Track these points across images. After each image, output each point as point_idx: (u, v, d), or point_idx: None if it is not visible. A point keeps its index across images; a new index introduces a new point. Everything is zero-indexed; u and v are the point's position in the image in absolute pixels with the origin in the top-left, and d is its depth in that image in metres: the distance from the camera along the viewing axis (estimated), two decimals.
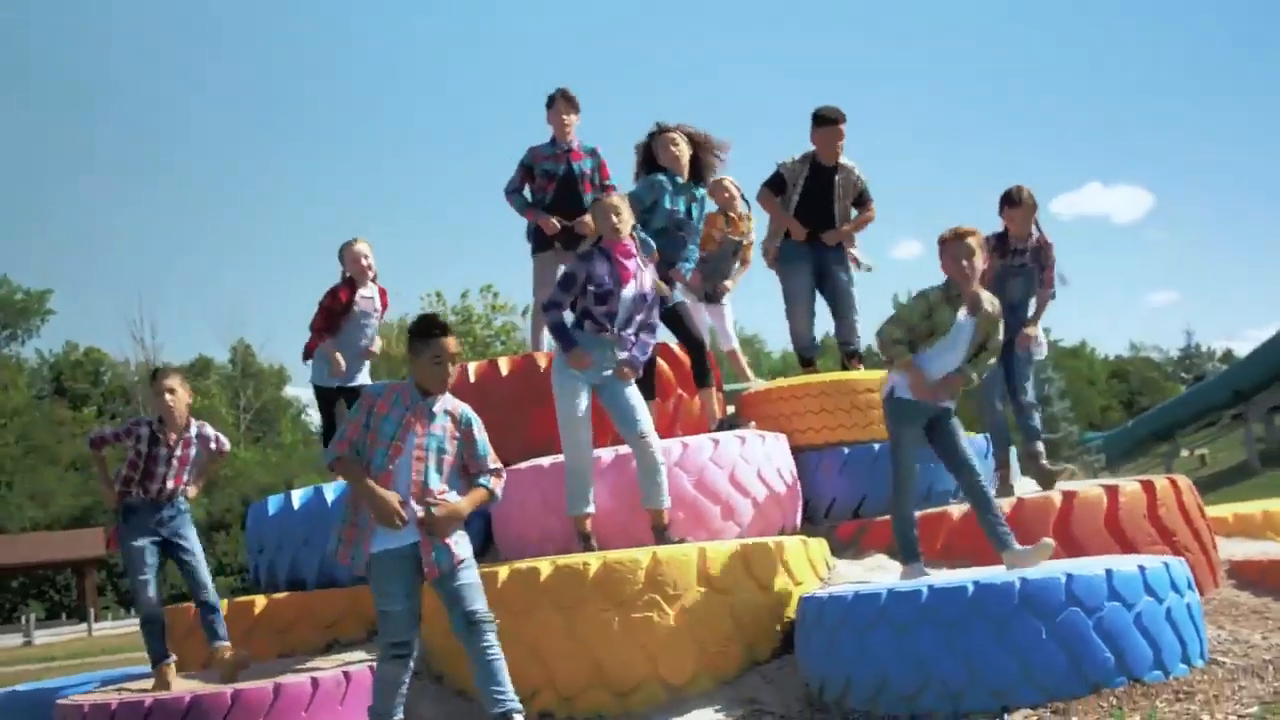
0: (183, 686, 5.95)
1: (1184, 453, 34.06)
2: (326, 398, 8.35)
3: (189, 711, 5.39)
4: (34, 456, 53.99)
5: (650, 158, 7.32)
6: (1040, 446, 7.50)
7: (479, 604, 4.84)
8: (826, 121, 8.19)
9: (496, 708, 4.77)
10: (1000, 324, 5.97)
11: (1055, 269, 7.56)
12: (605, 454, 6.55)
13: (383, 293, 8.45)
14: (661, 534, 6.21)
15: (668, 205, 7.19)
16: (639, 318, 6.34)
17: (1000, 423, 7.58)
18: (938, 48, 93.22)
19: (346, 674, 5.74)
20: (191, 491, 6.51)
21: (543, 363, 7.56)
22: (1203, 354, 58.57)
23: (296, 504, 7.56)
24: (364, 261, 8.28)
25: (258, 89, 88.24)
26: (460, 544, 4.91)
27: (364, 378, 8.36)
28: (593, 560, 5.68)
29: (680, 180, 7.25)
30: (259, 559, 7.75)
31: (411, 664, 4.95)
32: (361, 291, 8.27)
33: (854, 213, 8.45)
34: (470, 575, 4.88)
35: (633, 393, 6.33)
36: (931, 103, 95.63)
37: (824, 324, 8.77)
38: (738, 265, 9.60)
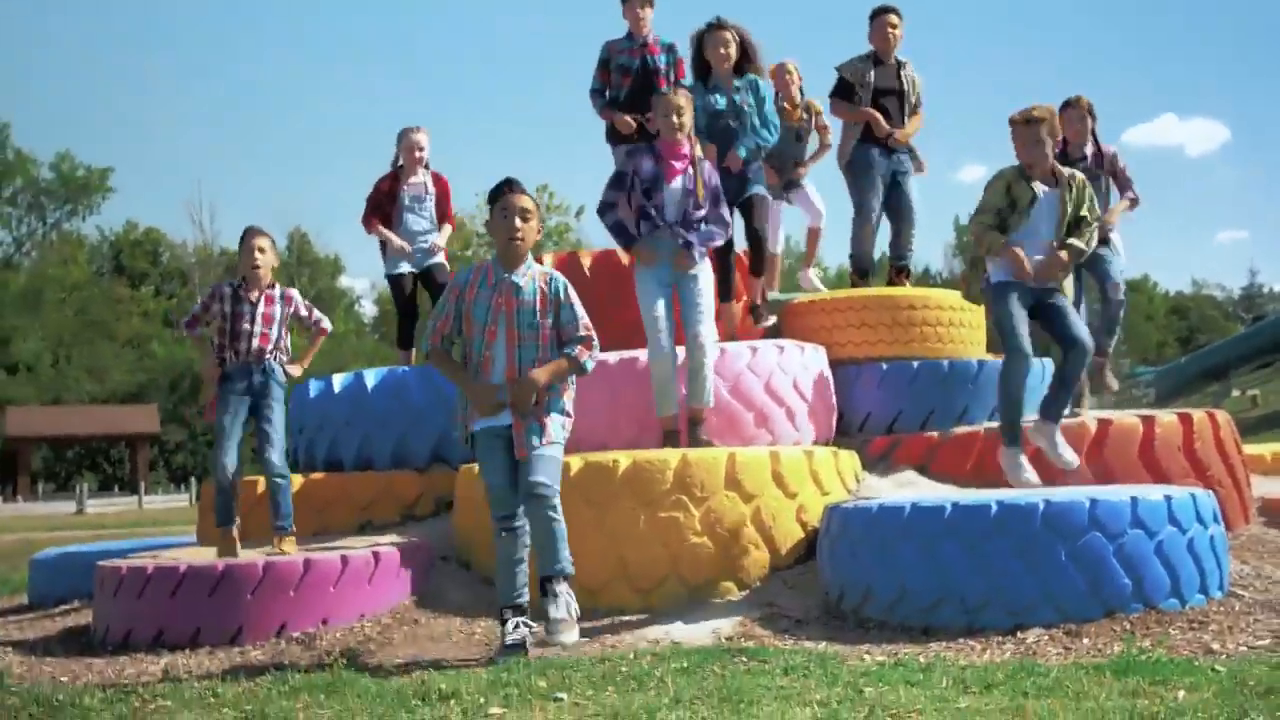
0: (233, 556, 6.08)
1: (1235, 393, 33.67)
2: (396, 284, 8.40)
3: (221, 579, 5.54)
4: (92, 331, 54.98)
5: (700, 50, 7.34)
6: (1110, 344, 7.50)
7: (542, 475, 4.82)
8: (878, 12, 8.33)
9: (545, 569, 4.88)
10: (1088, 192, 5.99)
11: (1129, 178, 7.49)
12: (642, 355, 6.56)
13: (439, 179, 8.46)
14: (694, 430, 6.26)
15: (708, 109, 7.19)
16: (696, 213, 6.31)
17: (1114, 310, 7.48)
18: None
19: (376, 554, 5.87)
20: (294, 370, 6.50)
21: (625, 259, 7.56)
22: (1265, 295, 57.57)
23: (337, 388, 7.66)
24: (416, 152, 8.32)
25: None
26: (553, 425, 4.91)
27: (440, 258, 8.41)
28: (622, 458, 5.75)
29: (720, 79, 7.25)
30: (299, 439, 7.89)
31: (525, 539, 4.95)
32: (411, 179, 8.31)
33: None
34: (550, 450, 4.88)
35: (701, 290, 6.33)
36: (1004, 28, 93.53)
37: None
38: (809, 148, 9.37)
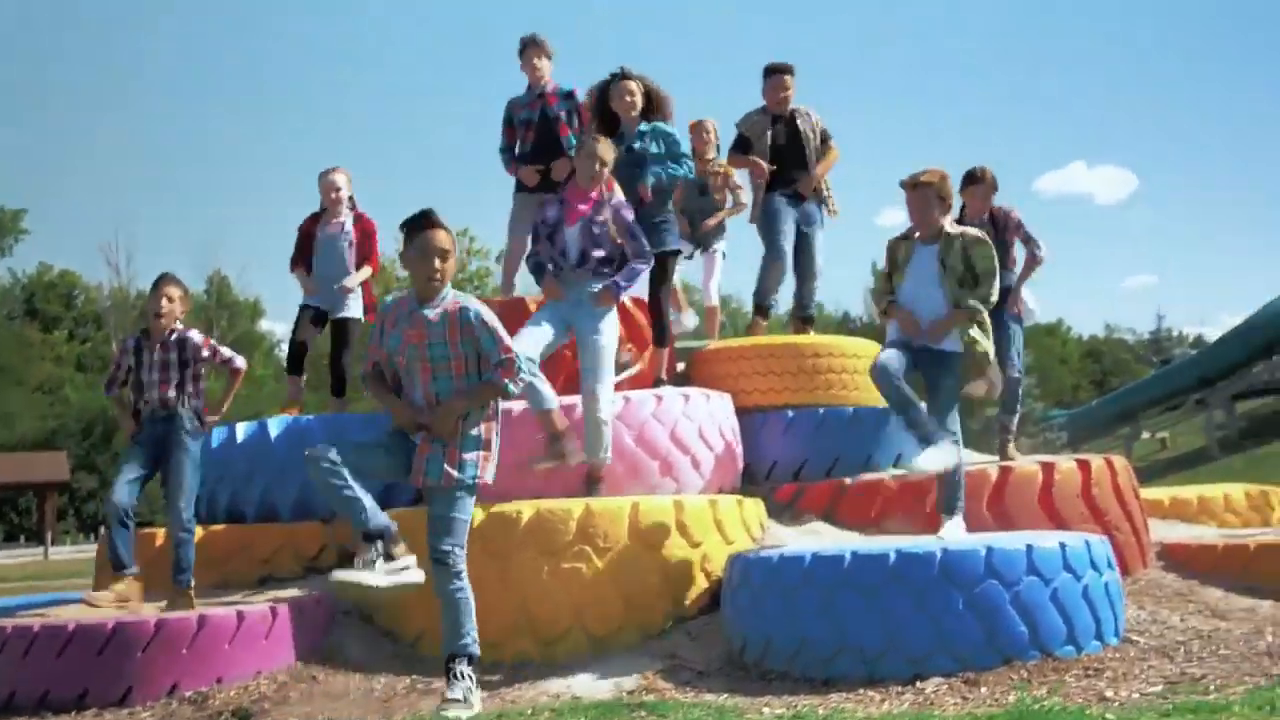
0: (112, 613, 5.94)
1: (1145, 435, 34.29)
2: (300, 313, 8.31)
3: (112, 637, 5.38)
4: (2, 377, 53.66)
5: (604, 102, 7.27)
6: (1013, 421, 7.59)
7: (446, 540, 4.77)
8: (770, 73, 8.45)
9: (448, 647, 4.82)
10: (979, 250, 5.97)
11: (1030, 235, 7.58)
12: (515, 406, 6.49)
13: (363, 220, 8.34)
14: (593, 488, 6.24)
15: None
16: (595, 252, 6.31)
17: (1013, 387, 7.50)
18: (923, 23, 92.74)
19: (273, 609, 5.74)
20: (211, 418, 6.45)
21: (532, 306, 7.52)
22: (1173, 338, 58.78)
23: (240, 437, 7.53)
24: (333, 193, 8.24)
25: (240, 16, 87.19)
26: (466, 463, 4.80)
27: (354, 309, 8.30)
28: (525, 508, 5.70)
29: (625, 128, 7.20)
30: (200, 490, 7.72)
31: (339, 470, 4.69)
32: (332, 220, 8.23)
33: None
34: (456, 510, 4.79)
35: (600, 343, 6.27)
36: (916, 77, 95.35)
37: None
38: (716, 202, 9.41)
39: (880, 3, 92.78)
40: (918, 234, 6.07)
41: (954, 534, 5.73)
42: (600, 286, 6.29)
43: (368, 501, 4.74)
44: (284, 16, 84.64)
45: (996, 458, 7.54)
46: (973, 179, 7.50)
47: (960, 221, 7.36)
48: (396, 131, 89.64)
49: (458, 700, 4.70)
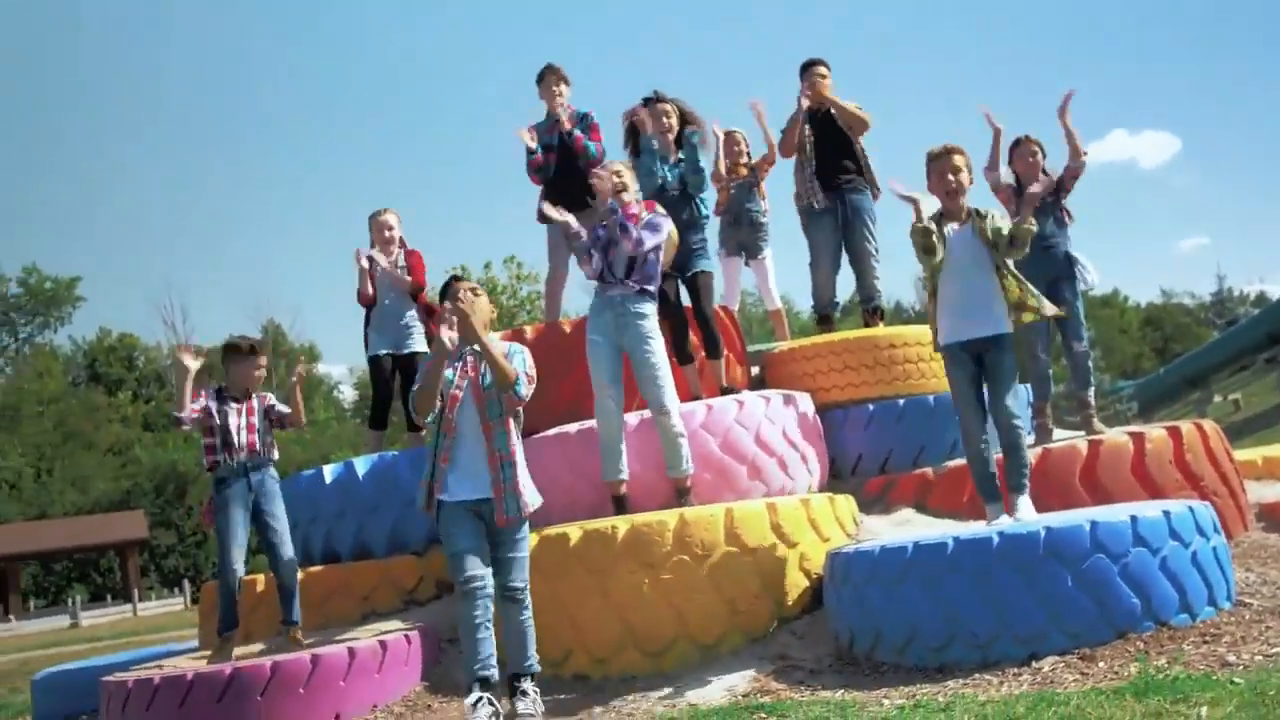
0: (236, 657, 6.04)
1: (1217, 398, 33.80)
2: (375, 365, 8.44)
3: (230, 684, 5.48)
4: (72, 442, 54.60)
5: (636, 126, 7.25)
6: (1090, 395, 7.46)
7: (519, 578, 5.23)
8: (807, 68, 8.51)
9: (515, 667, 5.20)
10: (1008, 225, 5.82)
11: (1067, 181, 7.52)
12: (631, 419, 6.60)
13: (411, 254, 8.49)
14: (681, 498, 6.29)
15: (659, 177, 7.16)
16: (645, 268, 6.42)
17: (1042, 371, 7.47)
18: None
19: (383, 643, 5.83)
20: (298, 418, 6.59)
21: (568, 329, 7.59)
22: (1235, 298, 58.01)
23: (328, 478, 7.64)
24: (386, 232, 8.39)
25: (280, 71, 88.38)
26: (527, 494, 5.24)
27: (418, 343, 8.42)
28: (621, 524, 5.74)
29: (664, 152, 7.19)
30: (292, 532, 7.84)
31: (489, 603, 5.08)
32: (384, 261, 8.34)
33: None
34: (523, 551, 5.24)
35: (652, 359, 6.32)
36: (954, 53, 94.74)
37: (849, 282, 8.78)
38: (760, 201, 9.40)
39: None
40: (944, 216, 5.89)
41: (1028, 512, 5.65)
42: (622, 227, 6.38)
43: (490, 647, 5.11)
44: (324, 63, 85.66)
45: (1082, 433, 7.47)
46: (1021, 144, 7.49)
47: (1018, 187, 7.35)
48: (441, 165, 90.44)
49: (533, 715, 5.08)
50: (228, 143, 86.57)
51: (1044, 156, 7.52)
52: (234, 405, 6.44)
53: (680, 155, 7.21)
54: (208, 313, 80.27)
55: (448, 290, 5.37)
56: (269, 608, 6.95)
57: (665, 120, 7.18)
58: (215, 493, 6.38)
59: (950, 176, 5.82)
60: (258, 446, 6.41)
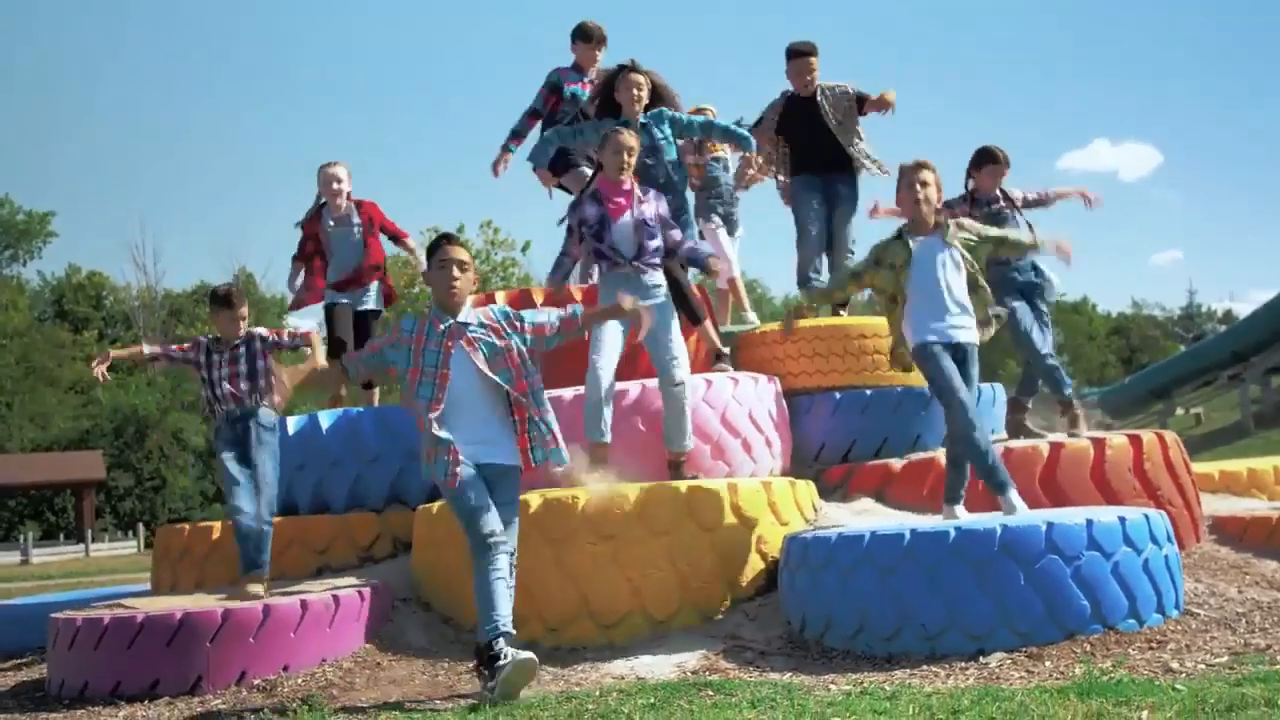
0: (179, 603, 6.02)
1: (1180, 411, 34.16)
2: (331, 317, 8.37)
3: (180, 628, 5.46)
4: (34, 378, 54.09)
5: (609, 91, 7.22)
6: (1069, 393, 7.38)
7: (513, 536, 5.05)
8: (792, 55, 8.38)
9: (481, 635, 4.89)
10: (977, 229, 6.02)
11: (1031, 197, 7.55)
12: (632, 387, 6.61)
13: (364, 205, 8.34)
14: (676, 471, 6.28)
15: None
16: (650, 244, 6.35)
17: (1049, 369, 7.25)
18: (943, 4, 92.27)
19: (336, 598, 5.82)
20: (278, 400, 6.54)
21: (539, 298, 7.58)
22: (1203, 314, 58.54)
23: (292, 430, 7.60)
24: (335, 185, 8.24)
25: (269, 14, 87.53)
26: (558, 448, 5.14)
27: (372, 301, 8.36)
28: (581, 494, 5.75)
29: (627, 119, 7.13)
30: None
31: (506, 556, 4.94)
32: (335, 214, 8.27)
33: (860, 124, 8.44)
34: (514, 500, 5.15)
35: (667, 331, 6.28)
36: (937, 59, 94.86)
37: None
38: (732, 174, 9.40)
39: None
40: (910, 230, 5.95)
41: (1020, 506, 5.68)
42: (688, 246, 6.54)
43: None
44: (308, 15, 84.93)
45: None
46: (992, 160, 7.37)
47: (973, 196, 7.37)
48: (419, 125, 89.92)
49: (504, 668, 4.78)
50: (208, 89, 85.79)
51: (1008, 169, 7.46)
52: (217, 356, 6.47)
53: (644, 121, 7.16)
54: (180, 257, 79.70)
55: (435, 250, 5.21)
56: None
57: (635, 92, 7.11)
58: (216, 439, 6.52)
59: (919, 190, 5.92)
60: (241, 395, 6.42)
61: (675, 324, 6.38)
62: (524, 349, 5.12)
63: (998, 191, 7.40)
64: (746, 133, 7.51)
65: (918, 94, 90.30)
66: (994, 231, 6.14)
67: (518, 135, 8.44)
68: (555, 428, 5.10)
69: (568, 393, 6.62)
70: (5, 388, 52.75)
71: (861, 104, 8.36)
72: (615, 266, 6.33)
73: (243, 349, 6.49)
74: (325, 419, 7.63)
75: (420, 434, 5.05)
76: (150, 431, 49.54)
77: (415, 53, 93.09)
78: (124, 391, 52.21)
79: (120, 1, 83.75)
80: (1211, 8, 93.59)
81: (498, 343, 5.07)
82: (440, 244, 5.20)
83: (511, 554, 4.98)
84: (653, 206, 6.41)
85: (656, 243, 6.36)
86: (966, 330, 5.84)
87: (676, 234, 6.52)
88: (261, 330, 6.61)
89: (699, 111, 9.17)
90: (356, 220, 8.27)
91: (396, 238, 8.46)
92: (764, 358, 7.83)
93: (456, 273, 5.11)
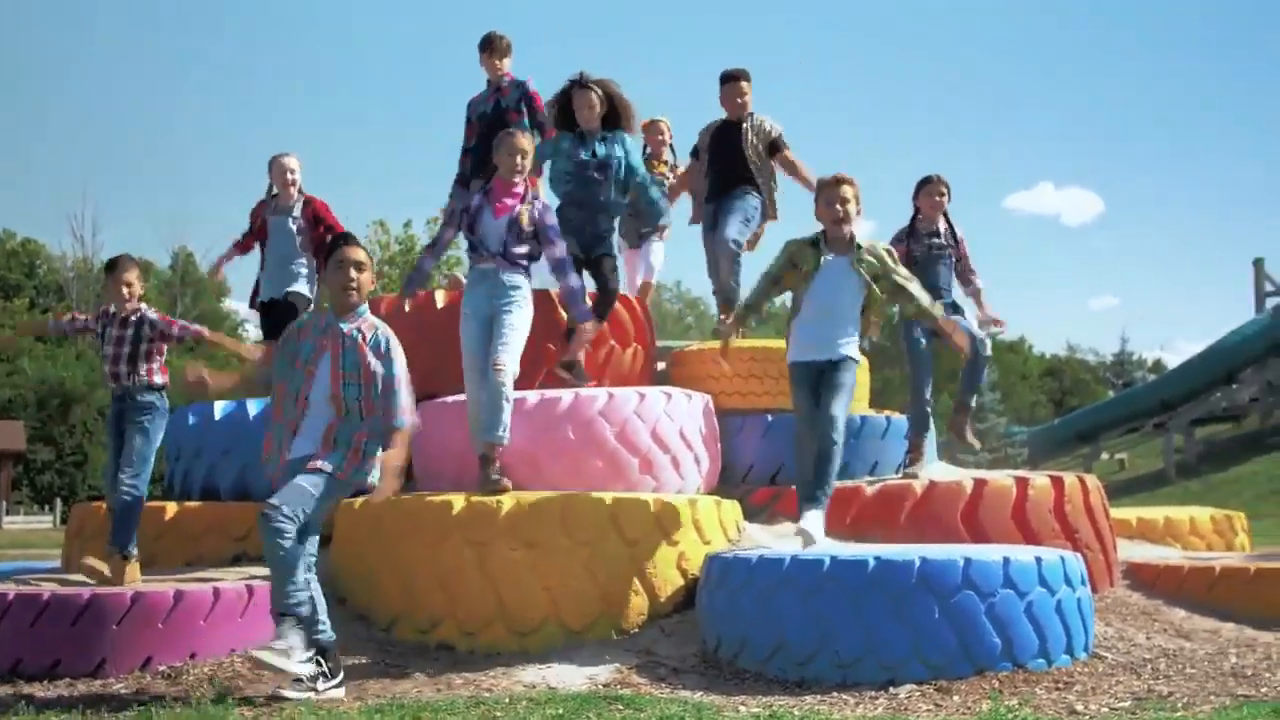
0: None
1: (1104, 455, 34.68)
2: (264, 311, 8.29)
3: (87, 608, 5.36)
4: None
5: (566, 107, 7.34)
6: (964, 414, 7.61)
7: (278, 497, 4.86)
8: (724, 80, 8.43)
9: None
10: (889, 265, 6.12)
11: (975, 271, 7.72)
12: (532, 396, 6.58)
13: (316, 204, 8.29)
14: (485, 469, 6.13)
15: (574, 158, 7.25)
16: (517, 247, 6.39)
17: (922, 411, 7.50)
18: (894, 42, 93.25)
19: (250, 588, 5.74)
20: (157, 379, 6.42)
21: (440, 299, 7.58)
22: (1134, 361, 59.36)
23: (218, 414, 7.51)
24: (288, 175, 8.21)
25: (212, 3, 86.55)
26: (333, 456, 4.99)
27: (301, 285, 8.23)
28: (506, 500, 5.73)
29: (587, 132, 7.28)
30: (175, 466, 7.72)
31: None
32: (283, 204, 8.21)
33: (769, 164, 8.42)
34: (305, 479, 4.90)
35: (511, 324, 6.31)
36: (886, 95, 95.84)
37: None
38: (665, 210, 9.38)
39: (851, 21, 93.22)
40: (826, 242, 6.11)
41: (814, 525, 5.76)
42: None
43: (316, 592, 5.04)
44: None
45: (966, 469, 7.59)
46: (929, 182, 7.55)
47: (913, 226, 7.48)
48: (367, 116, 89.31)
49: (279, 652, 4.86)
50: (160, 62, 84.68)
51: (949, 199, 7.60)
52: (109, 330, 6.41)
53: (603, 136, 7.30)
54: (119, 230, 78.35)
55: (333, 251, 5.22)
56: (173, 537, 6.94)
57: (589, 110, 7.24)
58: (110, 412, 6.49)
59: (837, 206, 6.06)
60: (120, 374, 6.35)
61: (518, 316, 6.36)
62: (378, 377, 5.05)
63: (941, 225, 7.50)
64: (662, 208, 7.61)
65: (863, 131, 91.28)
66: (902, 277, 6.16)
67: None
68: (377, 454, 5.07)
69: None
70: None
71: (774, 148, 8.37)
72: (480, 259, 6.42)
73: (131, 330, 6.40)
74: (253, 406, 7.55)
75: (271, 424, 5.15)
76: (75, 405, 48.65)
77: (369, 37, 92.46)
78: (51, 363, 51.27)
79: None
80: (1160, 60, 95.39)
81: (360, 358, 5.05)
82: (339, 244, 5.24)
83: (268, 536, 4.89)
84: (534, 215, 6.46)
85: (524, 248, 6.42)
86: (828, 350, 6.03)
87: (556, 251, 6.55)
88: (152, 314, 6.49)
89: (652, 124, 9.24)
90: (297, 214, 8.22)
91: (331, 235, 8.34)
92: (698, 375, 7.84)
93: (353, 273, 5.14)
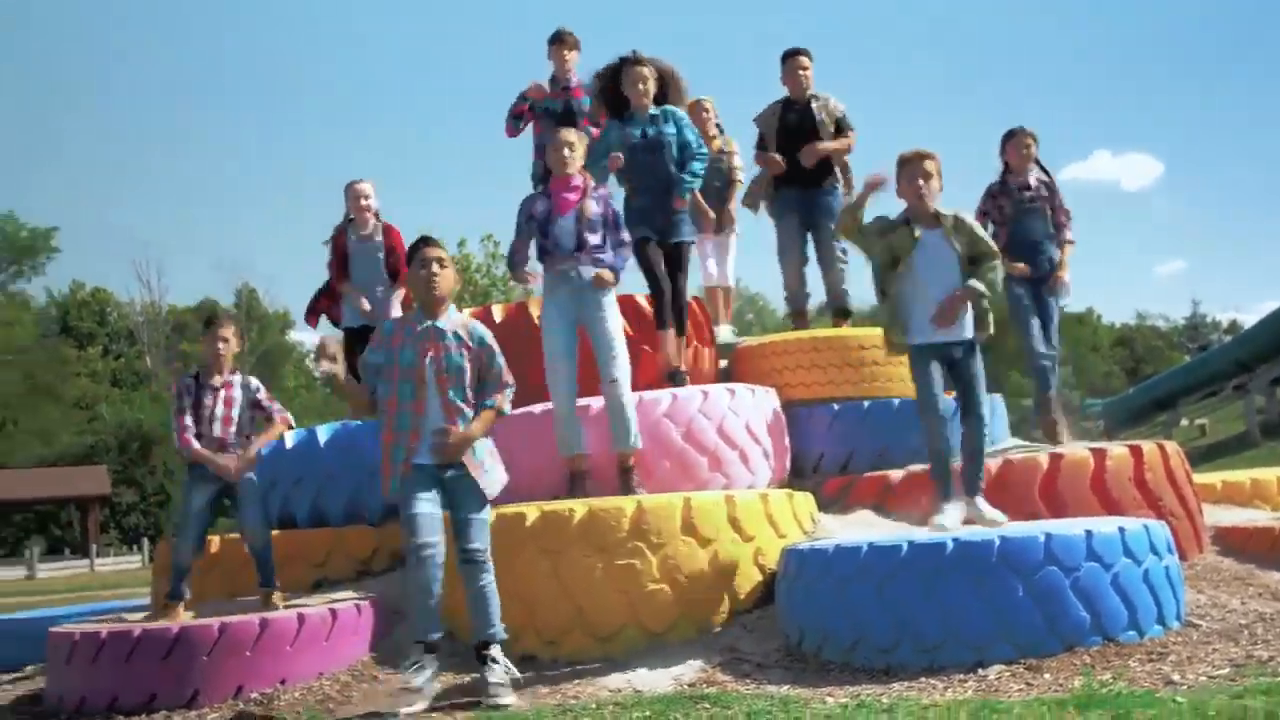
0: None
1: (1184, 422, 34.04)
2: (350, 338, 8.37)
3: (176, 642, 5.44)
4: (38, 395, 54.12)
5: (615, 85, 7.19)
6: (1053, 394, 7.56)
7: (479, 540, 5.10)
8: (785, 57, 8.40)
9: (481, 635, 5.08)
10: (978, 234, 5.98)
11: (1065, 206, 7.65)
12: (597, 402, 6.58)
13: (391, 231, 8.46)
14: (625, 479, 6.26)
15: (626, 144, 7.10)
16: (592, 239, 6.36)
17: (1039, 365, 7.47)
18: (943, 14, 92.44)
19: (333, 611, 5.80)
20: (250, 451, 6.34)
21: (535, 310, 7.56)
22: (1208, 324, 58.38)
23: (289, 444, 7.59)
24: (362, 201, 8.37)
25: (265, 32, 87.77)
26: (490, 474, 5.19)
27: (394, 312, 8.34)
28: (578, 507, 5.73)
29: (636, 112, 7.15)
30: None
31: (440, 570, 5.03)
32: (362, 231, 8.36)
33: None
34: (486, 514, 5.18)
35: (609, 331, 6.35)
36: (936, 70, 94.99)
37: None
38: (728, 178, 9.35)
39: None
40: (911, 219, 5.96)
41: (992, 511, 5.77)
42: (597, 270, 6.36)
43: (437, 613, 5.11)
44: (312, 34, 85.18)
45: (1042, 444, 7.51)
46: (1015, 134, 7.54)
47: (1004, 181, 7.43)
48: (420, 140, 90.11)
49: (503, 684, 5.00)
50: (209, 106, 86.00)
51: (1036, 146, 7.58)
52: (209, 393, 6.33)
53: (653, 114, 7.17)
54: (183, 272, 79.73)
55: (415, 253, 5.29)
56: (223, 571, 6.96)
57: (641, 86, 7.11)
58: (187, 471, 6.33)
59: (920, 181, 5.91)
60: (230, 439, 6.31)
61: (610, 320, 6.38)
62: (476, 374, 5.23)
63: (1034, 177, 7.48)
64: (693, 184, 7.25)
65: (915, 109, 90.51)
66: (984, 246, 6.00)
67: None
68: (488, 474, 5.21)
69: (537, 408, 6.68)
70: (10, 404, 52.78)
71: (839, 128, 8.39)
72: (556, 263, 6.38)
73: (237, 392, 6.38)
74: (323, 433, 7.63)
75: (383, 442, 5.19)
76: (154, 447, 49.51)
77: (416, 67, 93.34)
78: (128, 407, 52.26)
79: (122, 16, 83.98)
80: (1209, 16, 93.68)
81: (462, 360, 5.17)
82: (419, 246, 5.31)
83: (468, 554, 5.08)
84: (600, 205, 6.44)
85: (597, 238, 6.38)
86: (953, 329, 5.87)
87: (624, 234, 6.52)
88: (256, 383, 6.53)
89: (696, 104, 9.14)
90: (380, 240, 8.35)
91: (398, 272, 8.43)
92: (762, 369, 7.81)
93: (436, 269, 5.21)
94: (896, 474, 7.00)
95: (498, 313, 8.00)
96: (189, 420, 6.26)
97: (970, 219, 6.04)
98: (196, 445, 6.20)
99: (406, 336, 5.18)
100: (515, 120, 8.42)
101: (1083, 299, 68.87)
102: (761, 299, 63.66)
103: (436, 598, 5.02)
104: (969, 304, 5.89)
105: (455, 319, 5.27)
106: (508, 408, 5.29)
